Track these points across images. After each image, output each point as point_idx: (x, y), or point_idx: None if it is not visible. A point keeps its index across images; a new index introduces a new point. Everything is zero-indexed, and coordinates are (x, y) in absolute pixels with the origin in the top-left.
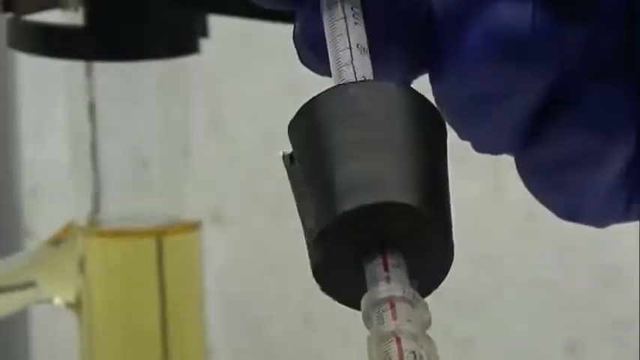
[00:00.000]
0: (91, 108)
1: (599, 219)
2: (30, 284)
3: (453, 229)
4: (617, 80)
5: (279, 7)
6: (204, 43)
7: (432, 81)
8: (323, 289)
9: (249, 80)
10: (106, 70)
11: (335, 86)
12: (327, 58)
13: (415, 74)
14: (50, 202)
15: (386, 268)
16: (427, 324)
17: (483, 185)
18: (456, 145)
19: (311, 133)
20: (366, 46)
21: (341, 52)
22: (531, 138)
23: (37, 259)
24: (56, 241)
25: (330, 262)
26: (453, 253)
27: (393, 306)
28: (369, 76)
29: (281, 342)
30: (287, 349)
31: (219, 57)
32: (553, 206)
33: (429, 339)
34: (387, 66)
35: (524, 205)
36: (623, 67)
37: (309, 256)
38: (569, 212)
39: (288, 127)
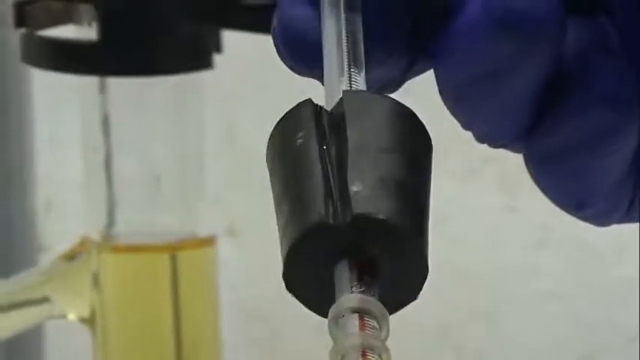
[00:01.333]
0: (105, 123)
1: (604, 213)
2: (44, 299)
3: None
4: (632, 57)
5: None
6: (218, 59)
7: (434, 67)
8: (294, 295)
9: (264, 95)
10: (119, 85)
11: (307, 100)
12: (312, 59)
13: (412, 71)
14: (64, 216)
15: (356, 280)
16: (386, 338)
17: (497, 198)
18: (471, 159)
19: (287, 143)
20: (362, 50)
21: (333, 58)
22: (539, 122)
23: (50, 275)
24: (70, 257)
25: (302, 270)
26: (426, 270)
27: (360, 318)
28: (362, 85)
29: (296, 357)
30: None
31: (234, 72)
32: (560, 197)
33: (388, 353)
34: (384, 64)
35: (538, 217)
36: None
37: (282, 261)
38: (577, 203)
39: (269, 137)
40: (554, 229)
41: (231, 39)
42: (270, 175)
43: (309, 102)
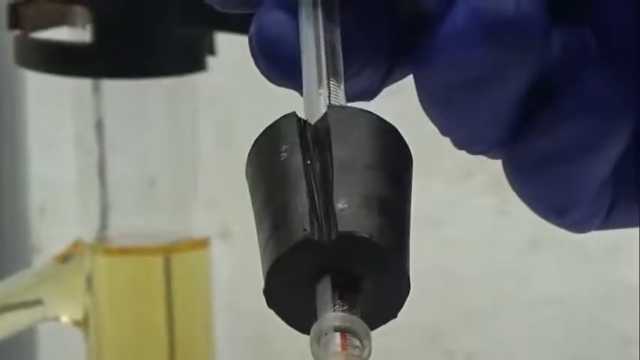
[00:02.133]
0: (99, 125)
1: (584, 220)
2: (37, 302)
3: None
4: (616, 65)
5: (236, 9)
6: (212, 61)
7: (415, 74)
8: (275, 312)
9: (258, 97)
10: (113, 88)
11: (290, 113)
12: (289, 69)
13: (397, 71)
14: (58, 219)
15: (338, 298)
16: (368, 357)
17: (489, 202)
18: (463, 161)
19: (271, 156)
20: (341, 62)
21: (312, 70)
22: (520, 129)
23: (44, 277)
24: (63, 259)
25: (284, 286)
26: (408, 288)
27: (342, 336)
28: (342, 97)
29: (289, 358)
30: None
31: (228, 74)
32: (540, 204)
33: None
34: (368, 57)
35: (531, 220)
36: (618, 52)
37: (264, 277)
38: (557, 210)
39: (250, 150)
40: (547, 232)
41: (225, 41)
42: (251, 188)
43: (292, 115)
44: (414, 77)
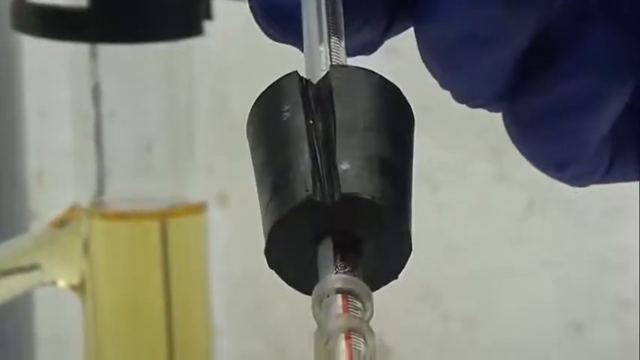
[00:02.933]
0: (96, 90)
1: (583, 175)
2: (34, 266)
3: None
4: (615, 23)
5: None
6: (210, 27)
7: (416, 27)
8: (276, 272)
9: (255, 62)
10: (110, 53)
11: (292, 72)
12: (290, 26)
13: (397, 25)
14: (55, 184)
15: (340, 259)
16: (370, 318)
17: (487, 168)
18: (460, 126)
19: (273, 116)
20: (342, 19)
21: (313, 27)
22: (522, 85)
23: (41, 242)
24: (60, 224)
25: (285, 246)
26: (410, 249)
27: (344, 298)
28: (342, 55)
29: (285, 323)
30: (291, 329)
31: (225, 40)
32: (541, 158)
33: (372, 334)
34: (368, 13)
35: (528, 184)
36: (620, 11)
37: (265, 237)
38: (558, 164)
39: (251, 109)
40: (544, 196)
41: (222, 6)
42: (252, 147)
43: (295, 75)
44: (415, 31)
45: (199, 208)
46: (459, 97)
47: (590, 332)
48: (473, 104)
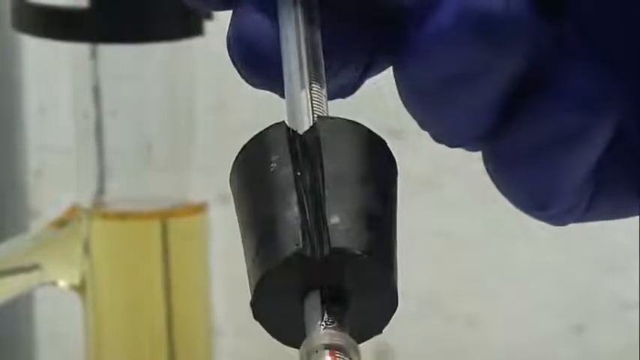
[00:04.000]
0: (96, 90)
1: (562, 214)
2: (34, 267)
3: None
4: (599, 61)
5: (209, 8)
6: (210, 26)
7: (396, 69)
8: (262, 325)
9: None
10: (111, 52)
11: (280, 123)
12: (268, 72)
13: (375, 67)
14: (55, 183)
15: (327, 313)
16: None
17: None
18: None
19: (259, 167)
20: (322, 65)
21: (294, 74)
22: (501, 125)
23: (41, 242)
24: (60, 224)
25: (271, 299)
26: (396, 304)
27: (331, 354)
28: (324, 102)
29: None
30: None
31: (225, 39)
32: (520, 197)
33: None
34: (346, 57)
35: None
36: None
37: (251, 291)
38: (538, 204)
39: (236, 158)
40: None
41: None
42: (237, 197)
43: (282, 125)
44: (395, 72)
45: (200, 208)
46: (438, 138)
47: (592, 333)
48: (452, 144)
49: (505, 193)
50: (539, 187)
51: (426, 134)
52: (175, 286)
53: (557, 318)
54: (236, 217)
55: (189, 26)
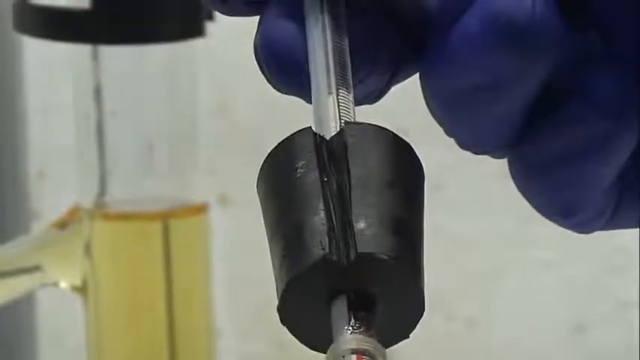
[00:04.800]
0: (98, 91)
1: (588, 222)
2: (36, 268)
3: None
4: (623, 68)
5: (234, 14)
6: (212, 27)
7: (422, 76)
8: (289, 330)
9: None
10: (112, 53)
11: (306, 128)
12: (297, 78)
13: (402, 73)
14: (56, 184)
15: (354, 318)
16: None
17: (491, 167)
18: None
19: (286, 172)
20: (349, 71)
21: (322, 80)
22: (527, 132)
23: (42, 243)
24: (62, 224)
25: (298, 304)
26: (423, 309)
27: (359, 359)
28: (351, 108)
29: None
30: None
31: (228, 41)
32: (545, 205)
33: None
34: (373, 64)
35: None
36: (628, 57)
37: (278, 295)
38: (563, 212)
39: (263, 163)
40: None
41: None
42: (264, 202)
43: (309, 130)
44: (422, 79)
45: (201, 209)
46: (464, 145)
47: (593, 333)
48: (478, 151)
49: (529, 200)
50: (564, 195)
51: (425, 134)
52: (176, 287)
53: (557, 318)
54: (238, 220)
55: (190, 28)
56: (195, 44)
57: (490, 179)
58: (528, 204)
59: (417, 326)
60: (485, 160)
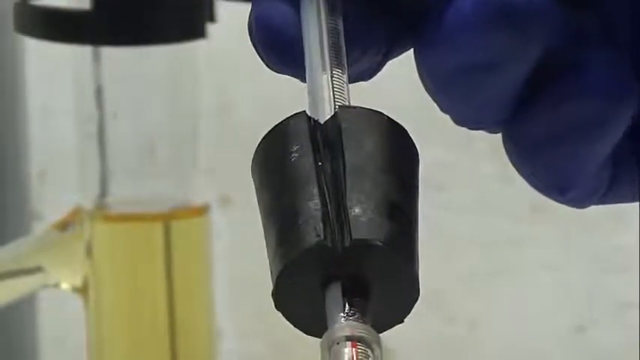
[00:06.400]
0: (99, 92)
1: (582, 197)
2: (37, 269)
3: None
4: (616, 46)
5: None
6: (213, 28)
7: (417, 54)
8: (283, 315)
9: (258, 64)
10: (113, 54)
11: (301, 112)
12: (291, 58)
13: (395, 52)
14: (58, 185)
15: (348, 304)
16: None
17: (490, 169)
18: (464, 130)
19: (281, 156)
20: (344, 51)
21: (316, 60)
22: (522, 109)
23: (44, 244)
24: (63, 226)
25: (293, 290)
26: (417, 294)
27: (353, 346)
28: (345, 88)
29: (288, 324)
30: (294, 331)
31: (229, 42)
32: (540, 181)
33: None
34: (367, 43)
35: (531, 188)
36: (623, 37)
37: (273, 281)
38: (557, 187)
39: (257, 148)
40: (548, 198)
41: (226, 6)
42: (258, 187)
43: (303, 115)
44: (415, 57)
45: (202, 210)
46: (459, 121)
47: (593, 333)
48: (473, 128)
49: (524, 176)
50: (559, 171)
51: (425, 135)
52: (177, 287)
53: (557, 318)
54: (239, 221)
55: (191, 29)
56: (195, 45)
57: (490, 179)
58: (528, 204)
59: (417, 326)
60: (486, 160)
